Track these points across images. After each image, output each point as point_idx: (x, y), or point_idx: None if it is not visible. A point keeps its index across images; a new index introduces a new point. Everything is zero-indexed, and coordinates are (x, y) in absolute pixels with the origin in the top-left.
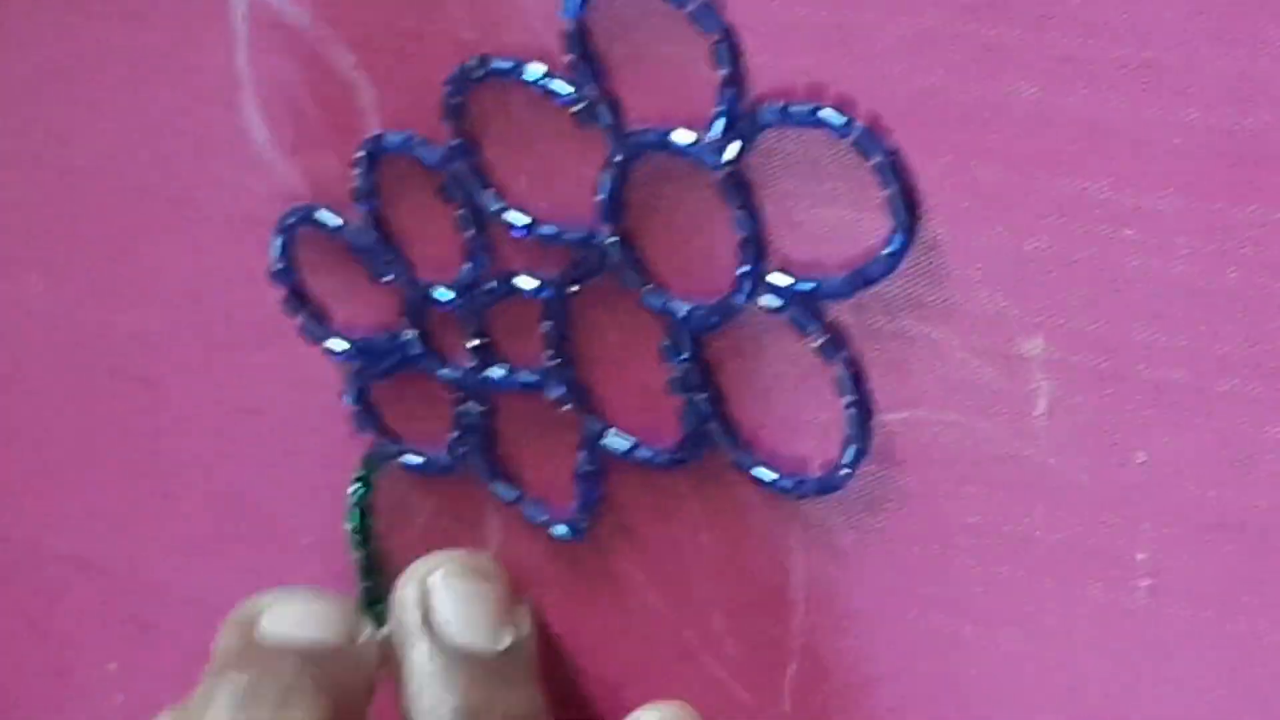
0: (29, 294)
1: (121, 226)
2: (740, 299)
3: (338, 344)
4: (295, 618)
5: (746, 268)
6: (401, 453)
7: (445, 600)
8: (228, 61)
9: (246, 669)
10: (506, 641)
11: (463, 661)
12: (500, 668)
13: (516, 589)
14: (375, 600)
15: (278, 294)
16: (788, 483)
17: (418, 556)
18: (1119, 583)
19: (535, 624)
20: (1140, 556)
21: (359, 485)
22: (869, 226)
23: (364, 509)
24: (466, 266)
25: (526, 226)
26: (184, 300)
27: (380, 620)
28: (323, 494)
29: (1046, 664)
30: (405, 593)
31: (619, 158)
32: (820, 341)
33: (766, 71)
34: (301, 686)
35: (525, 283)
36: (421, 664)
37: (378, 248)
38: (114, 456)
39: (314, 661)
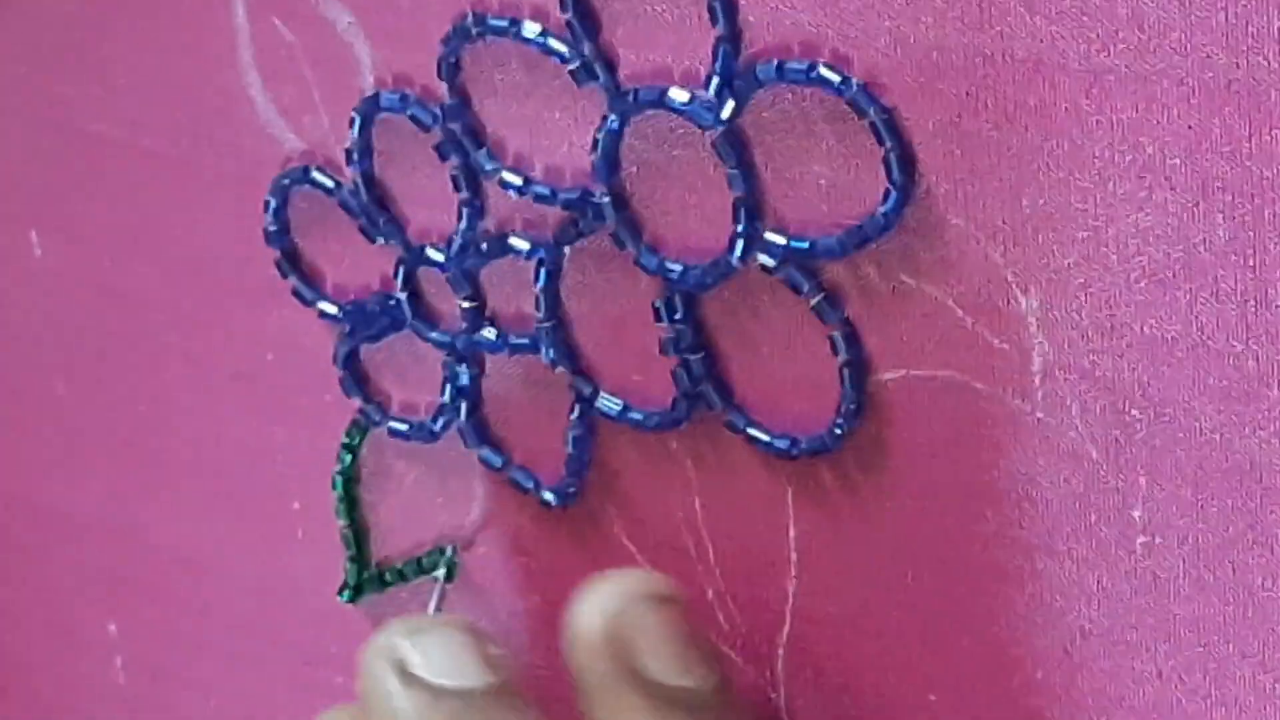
0: (26, 253)
1: (118, 186)
2: (735, 258)
3: (329, 306)
4: (448, 657)
5: (741, 227)
6: (388, 418)
7: (644, 638)
8: (226, 21)
9: None
10: (715, 674)
11: (687, 711)
12: (718, 708)
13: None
14: (361, 568)
15: (271, 255)
16: (782, 443)
17: (404, 523)
18: (1116, 539)
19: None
20: (1137, 513)
21: (344, 453)
22: (865, 184)
23: (349, 477)
24: (460, 226)
25: (521, 186)
26: (179, 261)
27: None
28: (311, 459)
29: (1044, 622)
30: (590, 633)
31: (614, 117)
32: (815, 300)
33: (762, 29)
34: None
35: (518, 243)
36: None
37: (372, 208)
38: (108, 418)
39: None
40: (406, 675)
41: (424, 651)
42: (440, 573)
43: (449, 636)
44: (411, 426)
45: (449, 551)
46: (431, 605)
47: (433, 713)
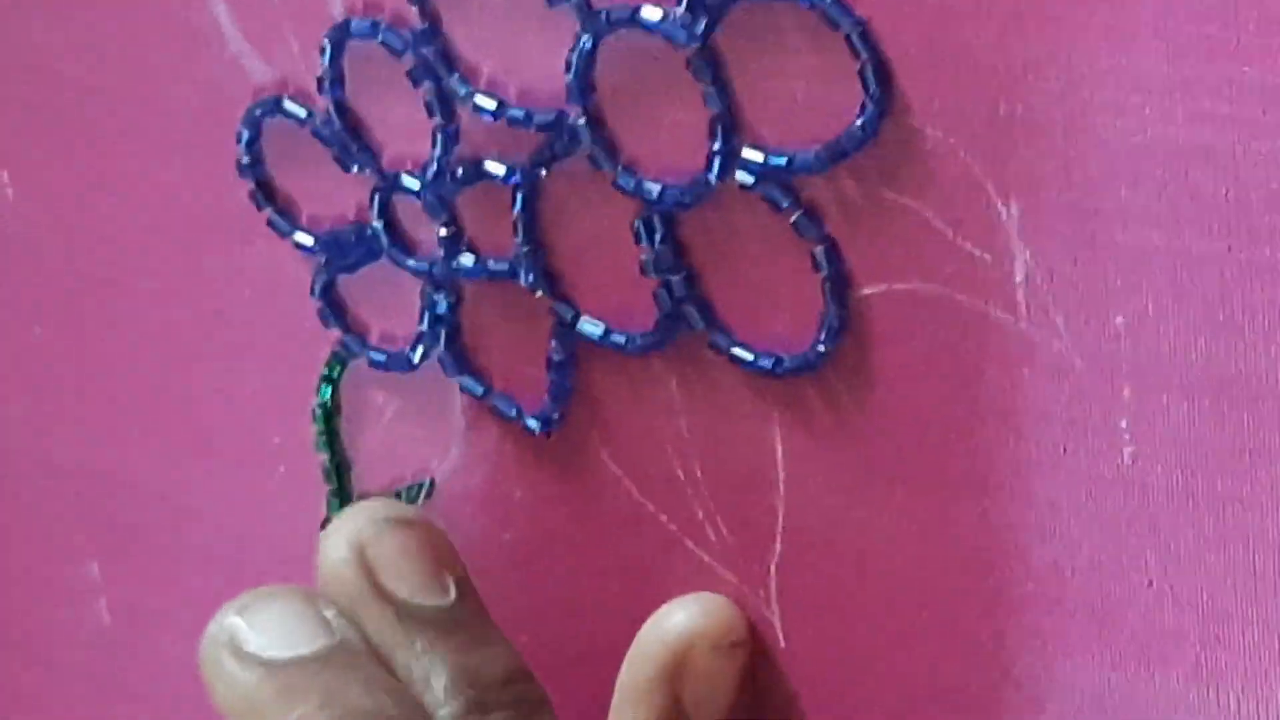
0: (1, 188)
1: (88, 124)
2: (713, 177)
3: (305, 238)
4: (282, 627)
5: (718, 145)
6: (367, 349)
7: (384, 557)
8: None
9: (309, 707)
10: (453, 590)
11: (427, 626)
12: (464, 623)
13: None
14: (343, 502)
15: (245, 188)
16: (766, 362)
17: (385, 456)
18: (1103, 451)
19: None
20: (1123, 423)
21: (324, 384)
22: (842, 98)
23: (329, 410)
24: (435, 153)
25: (495, 110)
26: (152, 198)
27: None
28: (291, 393)
29: (1034, 534)
30: (337, 558)
31: (587, 37)
32: (795, 217)
33: None
34: (382, 704)
35: (494, 168)
36: (393, 638)
37: (345, 137)
38: (84, 358)
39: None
40: (240, 654)
41: (255, 626)
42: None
43: (279, 606)
44: (390, 356)
45: (427, 483)
46: None
47: (268, 686)
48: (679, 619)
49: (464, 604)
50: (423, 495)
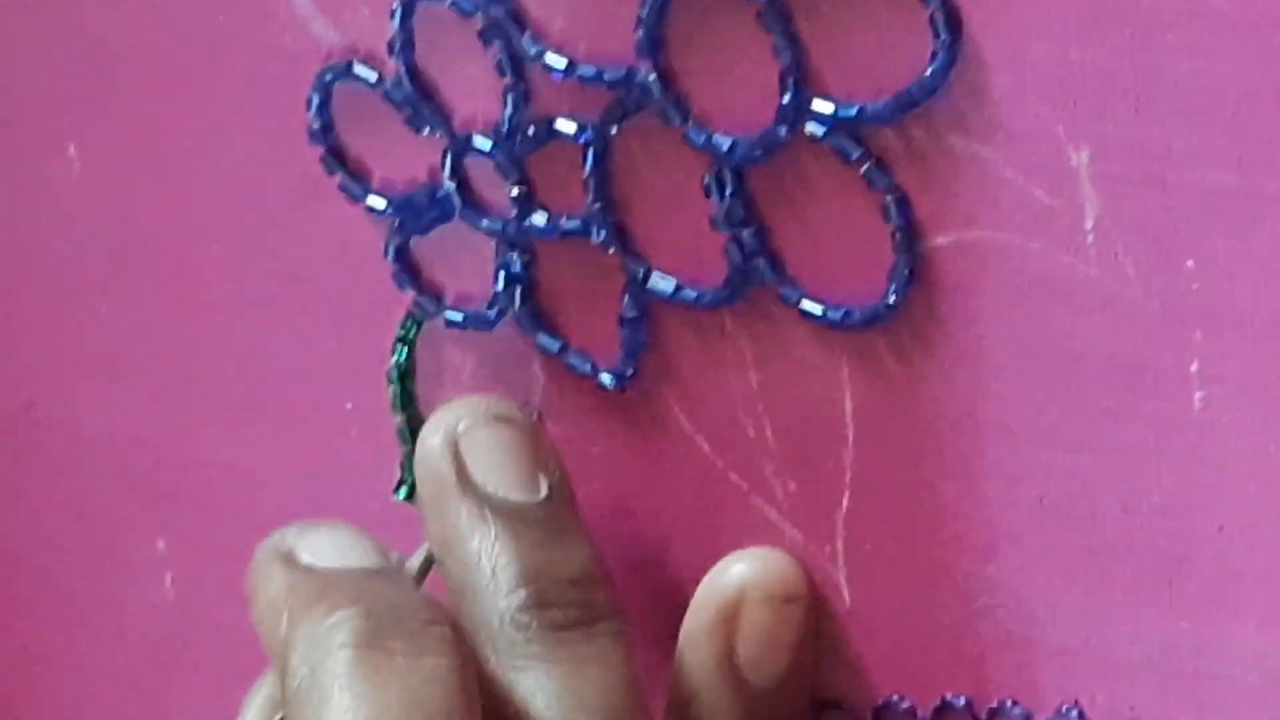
0: (65, 167)
1: (156, 94)
2: (783, 129)
3: (377, 201)
4: (335, 546)
5: (788, 97)
6: (442, 309)
7: (479, 451)
8: None
9: (344, 604)
10: (545, 490)
11: (509, 519)
12: (546, 521)
13: (541, 433)
14: None
15: (315, 153)
16: (836, 314)
17: None
18: (1174, 395)
19: (564, 469)
20: (1194, 368)
21: (400, 346)
22: (911, 47)
23: (405, 371)
24: (506, 113)
25: (565, 69)
26: (221, 166)
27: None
28: (364, 357)
29: (1104, 481)
30: (431, 446)
31: None
32: (865, 168)
33: None
34: (420, 611)
35: (565, 126)
36: (468, 530)
37: (416, 100)
38: (154, 330)
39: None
40: (289, 562)
41: (310, 543)
42: None
43: (338, 531)
44: (467, 316)
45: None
46: None
47: (306, 585)
48: (736, 570)
49: (551, 504)
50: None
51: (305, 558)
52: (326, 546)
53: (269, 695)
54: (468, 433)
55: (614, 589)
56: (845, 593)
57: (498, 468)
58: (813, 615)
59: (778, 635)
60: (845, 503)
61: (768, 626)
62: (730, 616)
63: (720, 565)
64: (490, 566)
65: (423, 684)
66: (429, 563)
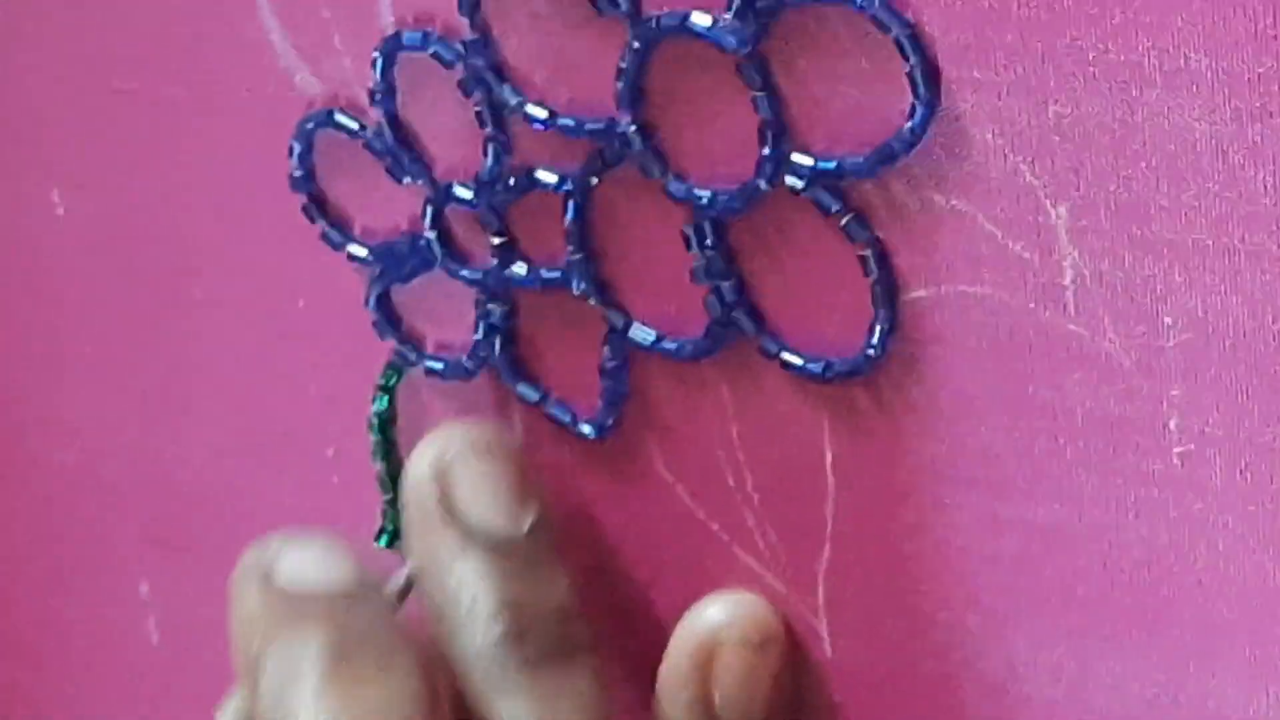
0: (49, 212)
1: (139, 139)
2: (763, 182)
3: (358, 249)
4: (314, 566)
5: (768, 150)
6: (423, 358)
7: (465, 480)
8: None
9: (314, 626)
10: (529, 521)
11: (493, 550)
12: (529, 553)
13: (528, 465)
14: (399, 513)
15: (297, 201)
16: (816, 366)
17: None
18: (1152, 450)
19: (549, 502)
20: (1172, 423)
21: (381, 394)
22: (890, 102)
23: (386, 419)
24: (487, 163)
25: (546, 119)
26: (203, 212)
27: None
28: (345, 404)
29: (1083, 535)
30: (418, 474)
31: (637, 44)
32: (845, 221)
33: None
34: (389, 636)
35: (546, 176)
36: (449, 558)
37: (397, 149)
38: (137, 376)
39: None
40: (266, 582)
41: (289, 560)
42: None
43: (319, 546)
44: (447, 365)
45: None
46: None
47: (280, 608)
48: (710, 613)
49: (533, 538)
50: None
51: (283, 576)
52: (305, 564)
53: (238, 709)
54: (455, 461)
55: (592, 624)
56: (827, 643)
57: (483, 498)
58: (789, 659)
59: (754, 678)
60: (826, 553)
61: (743, 670)
62: (706, 660)
63: (695, 609)
64: (470, 596)
65: (390, 706)
66: (409, 584)
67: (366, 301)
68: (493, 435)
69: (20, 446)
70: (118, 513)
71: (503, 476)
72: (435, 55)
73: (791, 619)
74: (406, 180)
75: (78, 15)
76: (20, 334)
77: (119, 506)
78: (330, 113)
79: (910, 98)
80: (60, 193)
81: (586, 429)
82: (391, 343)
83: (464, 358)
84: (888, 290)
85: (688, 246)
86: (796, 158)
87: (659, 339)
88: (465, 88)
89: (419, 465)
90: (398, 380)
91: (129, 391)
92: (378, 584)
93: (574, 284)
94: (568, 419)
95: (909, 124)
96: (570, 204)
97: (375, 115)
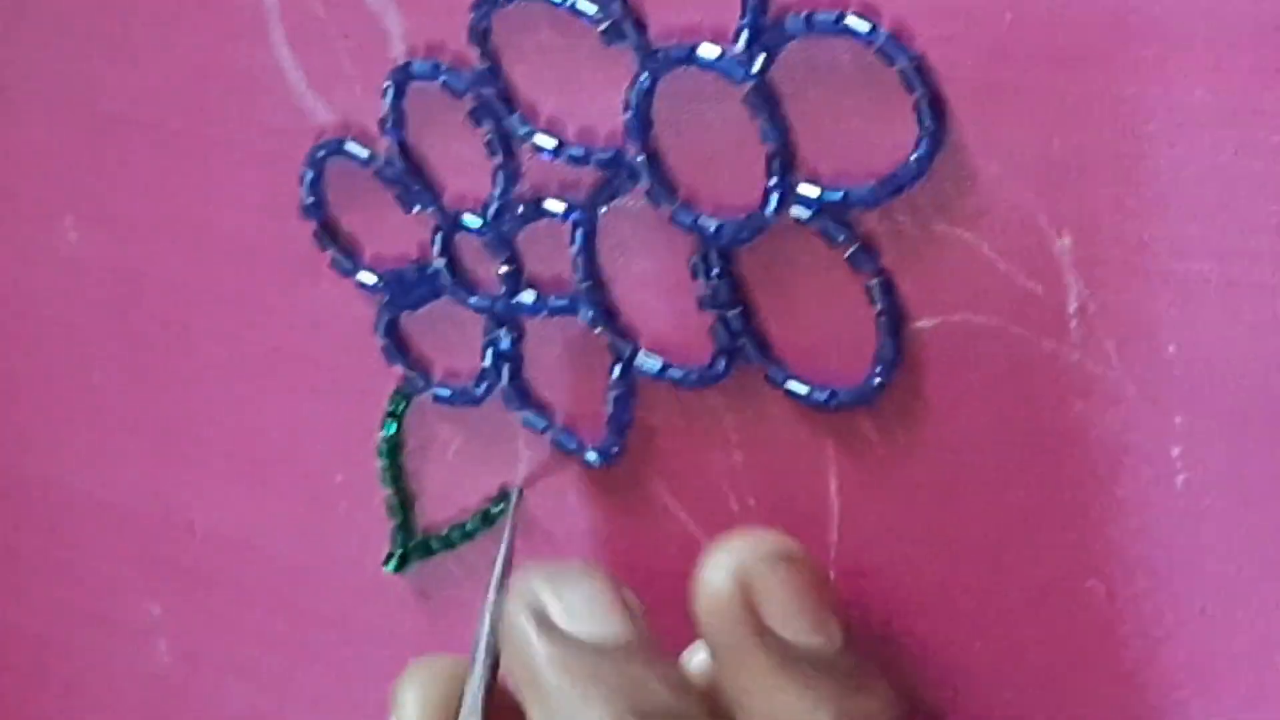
0: (62, 237)
1: (151, 168)
2: (769, 212)
3: (368, 277)
4: (589, 609)
5: (775, 180)
6: (431, 385)
7: (773, 595)
8: None
9: (614, 701)
10: (839, 638)
11: (811, 666)
12: (847, 668)
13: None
14: (407, 536)
15: (308, 229)
16: (821, 395)
17: (448, 490)
18: (1156, 479)
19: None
20: (1175, 451)
21: (389, 421)
22: (896, 133)
23: (394, 445)
24: (495, 192)
25: (554, 149)
26: (215, 240)
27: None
28: (354, 430)
29: (1087, 563)
30: (717, 591)
31: (645, 75)
32: (850, 251)
33: None
34: (692, 708)
35: (554, 206)
36: (766, 679)
37: (407, 177)
38: (146, 401)
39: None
40: (545, 624)
41: (563, 599)
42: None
43: (588, 584)
44: (454, 392)
45: (514, 494)
46: (502, 551)
47: (572, 664)
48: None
49: (849, 648)
50: (510, 505)
51: (560, 618)
52: (579, 604)
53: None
54: (758, 576)
55: None
56: None
57: (794, 615)
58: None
59: (801, 592)
60: (831, 579)
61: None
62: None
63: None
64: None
65: None
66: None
67: (376, 328)
68: (784, 543)
69: (31, 470)
70: (129, 536)
71: (806, 587)
72: (445, 85)
73: None
74: (416, 208)
75: (91, 45)
76: (32, 359)
77: (130, 528)
78: (341, 141)
79: (916, 129)
80: (73, 220)
81: (592, 456)
82: (400, 369)
83: (472, 385)
84: (893, 320)
85: (694, 275)
86: (803, 188)
87: (665, 367)
88: (475, 117)
89: (719, 581)
90: (406, 407)
91: (140, 415)
92: (642, 621)
93: (581, 312)
94: (573, 446)
95: (915, 155)
96: (578, 232)
97: (385, 144)
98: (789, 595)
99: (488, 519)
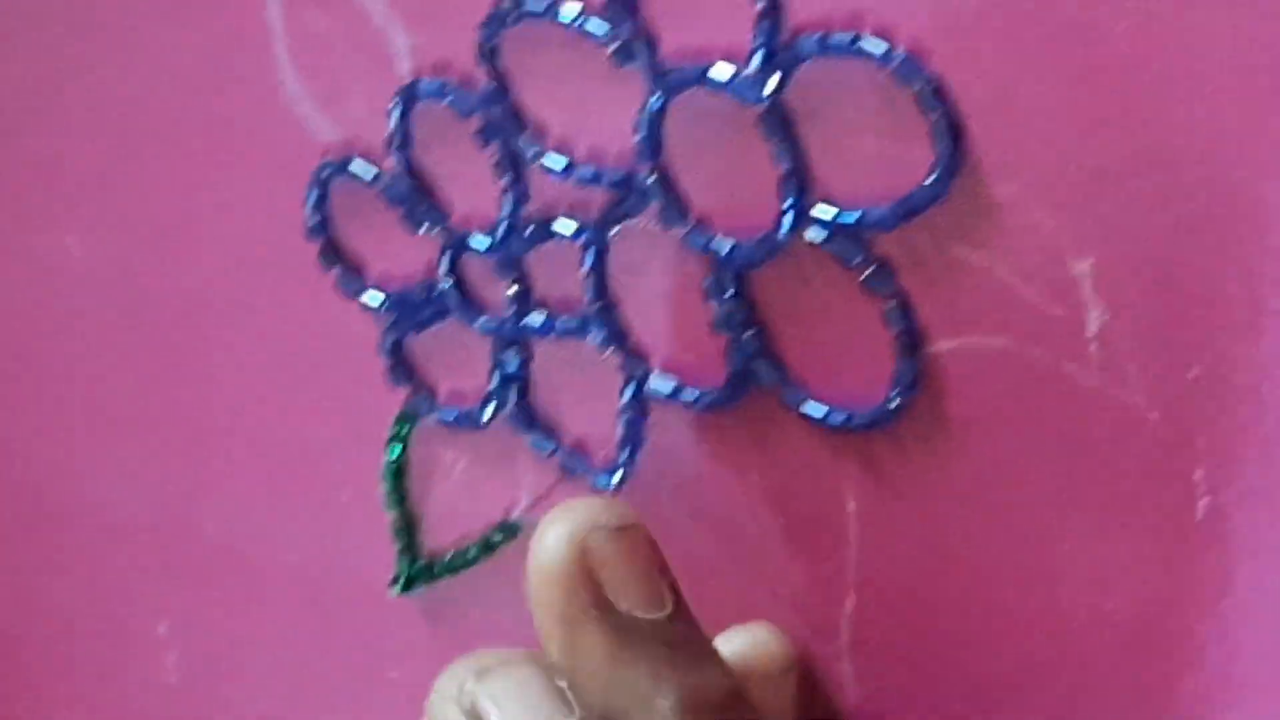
0: (67, 255)
1: (157, 185)
2: (784, 234)
3: (374, 297)
4: (519, 703)
5: (789, 202)
6: (436, 408)
7: (608, 564)
8: (260, 15)
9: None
10: (669, 605)
11: (649, 639)
12: (683, 638)
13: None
14: (412, 560)
15: (313, 248)
16: (838, 417)
17: (453, 512)
18: (1177, 502)
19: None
20: (1197, 475)
21: (394, 443)
22: (913, 155)
23: (398, 468)
24: (504, 212)
25: (564, 169)
26: (220, 258)
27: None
28: (359, 450)
29: (1109, 586)
30: (553, 561)
31: (657, 96)
32: (867, 273)
33: (804, 2)
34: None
35: (564, 226)
36: (606, 650)
37: (413, 197)
38: (153, 418)
39: None
40: None
41: (495, 699)
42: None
43: (519, 677)
44: (460, 415)
45: (516, 520)
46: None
47: None
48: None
49: (680, 616)
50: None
51: (491, 714)
52: (510, 699)
53: None
54: (594, 546)
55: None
56: (851, 690)
57: (628, 583)
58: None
59: (638, 564)
60: (849, 603)
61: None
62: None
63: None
64: (647, 695)
65: None
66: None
67: (381, 349)
68: (617, 509)
69: (38, 486)
70: (136, 552)
71: (638, 554)
72: (452, 105)
73: (813, 659)
74: (423, 228)
75: (95, 61)
76: (37, 375)
77: (136, 546)
78: (346, 161)
79: (933, 150)
80: (76, 237)
81: (601, 480)
82: (405, 390)
83: (477, 408)
84: (910, 342)
85: (707, 297)
86: (818, 210)
87: (678, 389)
88: (483, 136)
89: (555, 550)
90: (410, 429)
91: (146, 433)
92: (581, 707)
93: (592, 333)
94: (582, 469)
95: (932, 176)
96: (588, 253)
97: (392, 163)
98: (621, 563)
99: (489, 547)
